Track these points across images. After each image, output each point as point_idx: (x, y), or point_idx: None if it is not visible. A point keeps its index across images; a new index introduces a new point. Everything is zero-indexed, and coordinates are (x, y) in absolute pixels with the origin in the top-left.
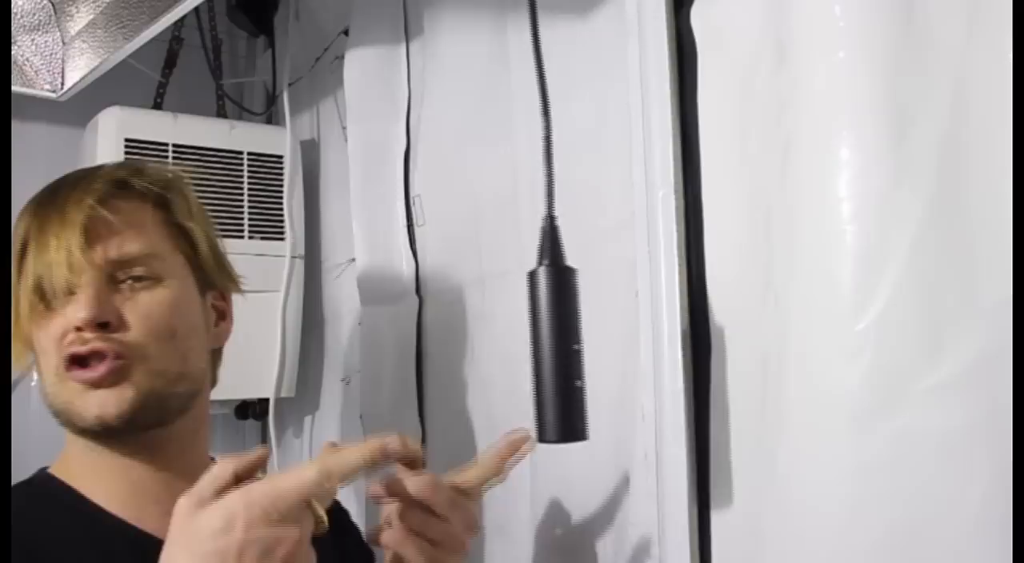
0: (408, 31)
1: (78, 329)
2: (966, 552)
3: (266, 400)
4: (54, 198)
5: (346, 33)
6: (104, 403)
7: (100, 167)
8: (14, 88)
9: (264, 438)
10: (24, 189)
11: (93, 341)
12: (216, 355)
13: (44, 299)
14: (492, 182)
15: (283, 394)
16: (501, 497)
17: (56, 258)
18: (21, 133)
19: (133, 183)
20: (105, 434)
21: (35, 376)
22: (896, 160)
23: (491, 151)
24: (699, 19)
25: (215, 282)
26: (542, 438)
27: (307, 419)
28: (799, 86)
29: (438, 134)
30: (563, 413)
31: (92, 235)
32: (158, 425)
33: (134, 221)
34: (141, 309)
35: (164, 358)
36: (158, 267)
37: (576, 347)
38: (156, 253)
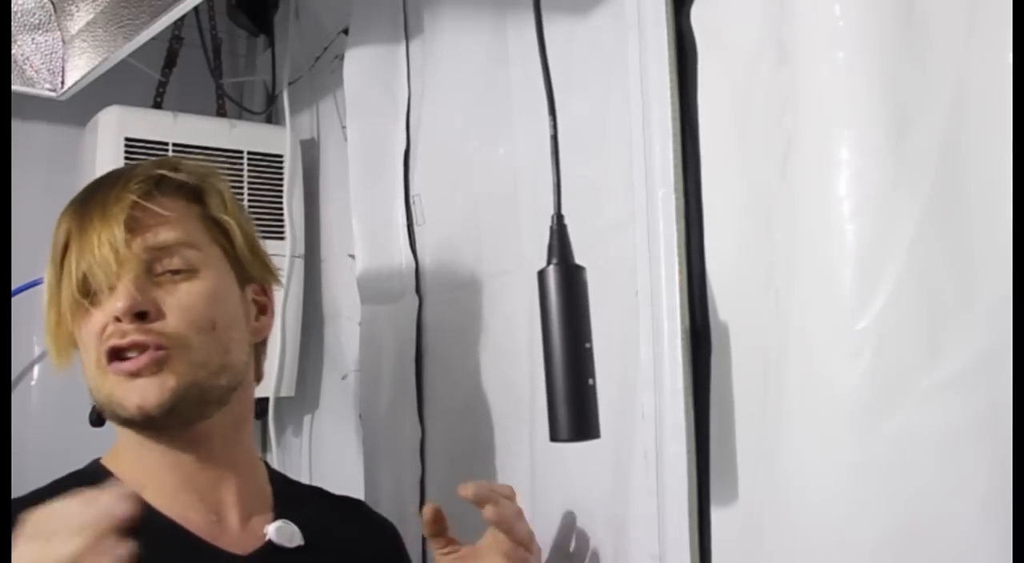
0: (408, 30)
1: (116, 320)
2: (966, 552)
3: (265, 399)
4: (93, 198)
5: (346, 32)
6: (144, 393)
7: (136, 166)
8: (14, 87)
9: (264, 437)
10: (24, 189)
11: (132, 333)
12: (259, 349)
13: (88, 295)
14: (492, 181)
15: (283, 393)
16: None
17: (100, 254)
18: (21, 133)
19: (170, 179)
20: (146, 424)
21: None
22: (896, 159)
23: (491, 150)
24: (699, 18)
25: (253, 275)
26: (555, 437)
27: (306, 418)
28: (799, 85)
29: (438, 133)
30: (576, 412)
31: (131, 228)
32: (199, 418)
33: (169, 215)
34: (180, 300)
35: (205, 349)
36: (194, 258)
37: (587, 345)
38: (192, 242)
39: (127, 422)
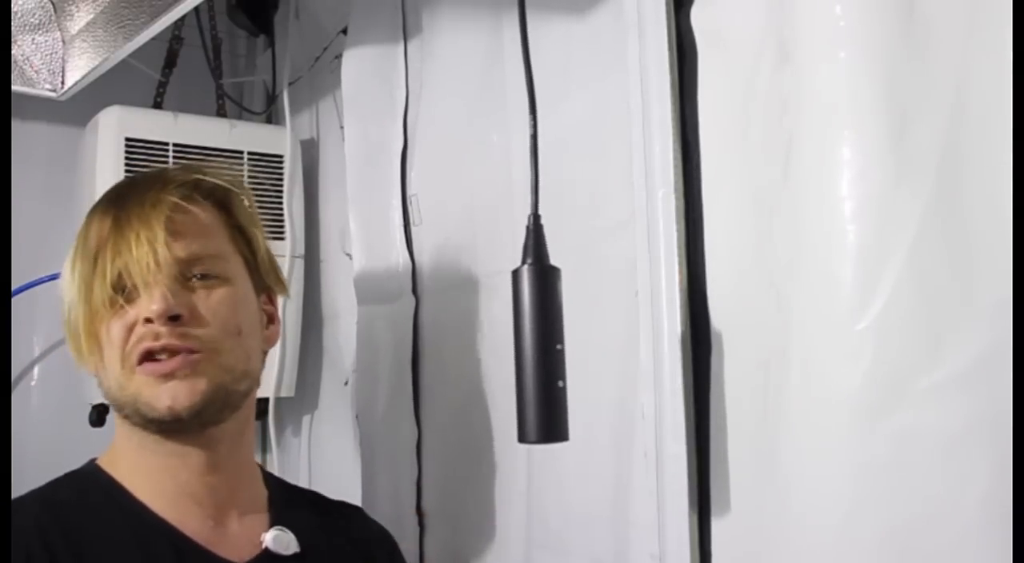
0: (406, 31)
1: (147, 321)
2: (966, 552)
3: (265, 400)
4: (128, 198)
5: (345, 32)
6: (176, 394)
7: (165, 170)
8: (14, 88)
9: (264, 438)
10: (24, 189)
11: (166, 336)
12: (263, 358)
13: (123, 294)
14: (488, 181)
15: (282, 394)
16: (498, 497)
17: (138, 253)
18: (21, 133)
19: (204, 183)
20: (171, 425)
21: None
22: (896, 159)
23: (487, 150)
24: (700, 18)
25: (268, 284)
26: (523, 438)
27: (306, 419)
28: (800, 86)
29: (435, 133)
30: (544, 413)
31: (170, 231)
32: (215, 422)
33: (203, 222)
34: (210, 305)
35: (232, 354)
36: (222, 267)
37: (559, 347)
38: (221, 252)
39: (151, 422)
